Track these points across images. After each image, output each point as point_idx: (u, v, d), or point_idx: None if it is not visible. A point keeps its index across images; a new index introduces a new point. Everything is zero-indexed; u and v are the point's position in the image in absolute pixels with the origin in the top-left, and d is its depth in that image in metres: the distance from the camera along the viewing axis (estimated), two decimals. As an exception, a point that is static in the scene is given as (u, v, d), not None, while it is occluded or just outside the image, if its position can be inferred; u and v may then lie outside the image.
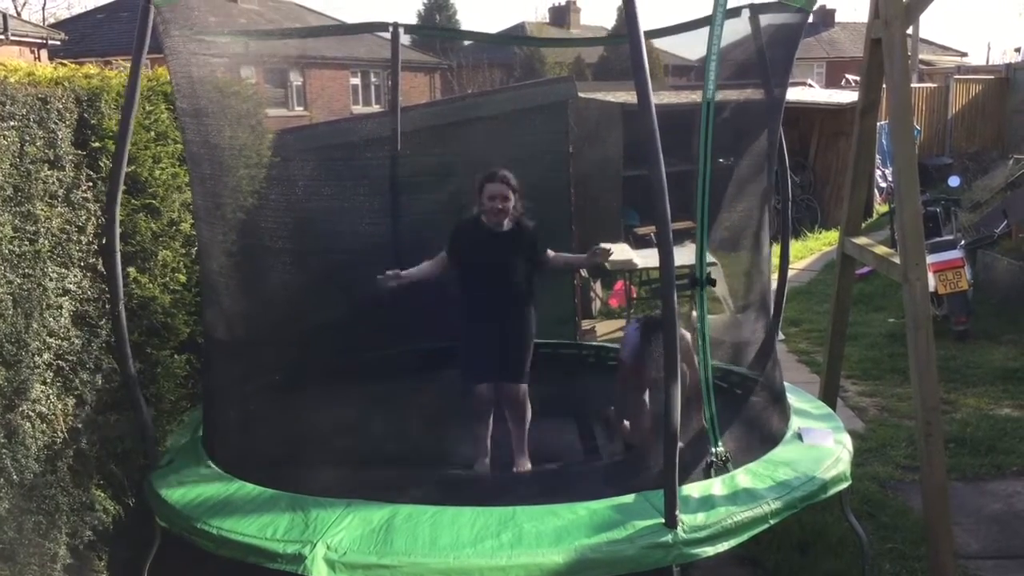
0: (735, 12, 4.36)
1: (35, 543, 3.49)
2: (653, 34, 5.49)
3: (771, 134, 4.40)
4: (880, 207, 14.80)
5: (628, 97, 11.66)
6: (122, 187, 3.93)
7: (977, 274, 9.31)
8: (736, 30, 4.33)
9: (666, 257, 3.25)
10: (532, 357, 4.78)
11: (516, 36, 26.25)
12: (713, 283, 3.66)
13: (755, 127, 4.48)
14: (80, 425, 3.77)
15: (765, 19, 4.49)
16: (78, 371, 3.79)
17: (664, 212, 3.21)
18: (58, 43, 21.51)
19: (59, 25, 28.41)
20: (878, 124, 15.92)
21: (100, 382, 3.92)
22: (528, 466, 4.61)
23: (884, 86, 4.71)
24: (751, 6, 4.50)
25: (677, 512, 3.37)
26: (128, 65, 4.50)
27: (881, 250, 4.75)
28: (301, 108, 27.29)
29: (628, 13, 3.29)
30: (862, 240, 4.85)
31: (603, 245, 4.83)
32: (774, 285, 4.85)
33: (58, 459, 3.64)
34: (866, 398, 7.31)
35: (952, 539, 4.05)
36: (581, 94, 9.19)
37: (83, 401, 3.81)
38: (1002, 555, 4.65)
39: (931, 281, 7.98)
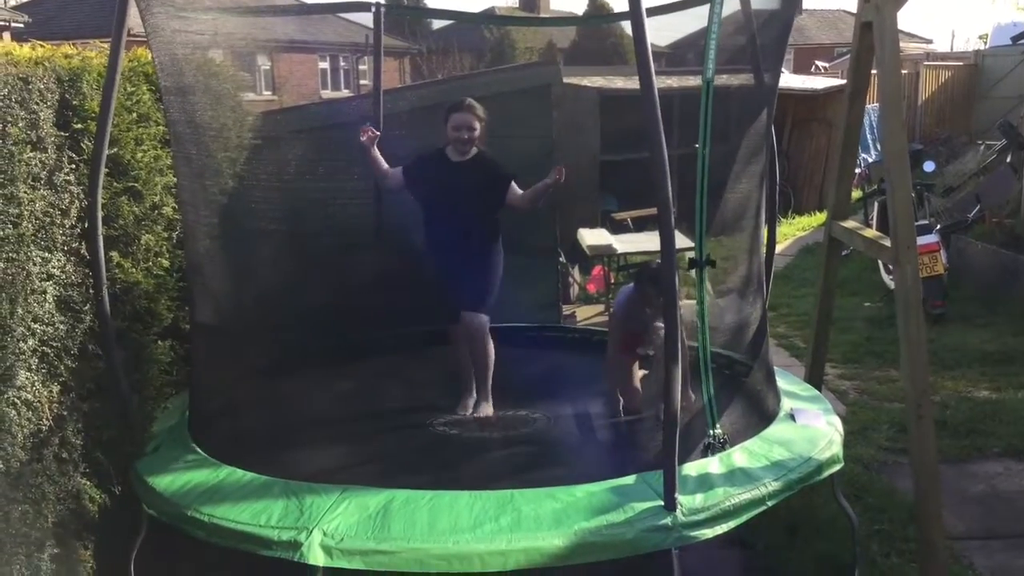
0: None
1: (22, 533, 3.41)
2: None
3: (766, 121, 4.39)
4: (853, 193, 14.91)
5: (604, 82, 11.65)
6: (104, 169, 3.85)
7: (951, 258, 9.41)
8: (728, 13, 4.29)
9: (667, 242, 3.23)
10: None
11: (503, 16, 26.02)
12: (713, 264, 3.64)
13: (746, 113, 4.46)
14: (65, 412, 3.68)
15: (757, 2, 4.47)
16: (63, 357, 3.70)
17: (666, 198, 3.18)
18: (21, 26, 21.10)
19: (22, 7, 27.83)
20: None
21: (85, 368, 3.83)
22: (489, 411, 4.59)
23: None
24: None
25: (676, 494, 3.36)
26: (104, 46, 4.42)
27: (870, 233, 4.77)
28: (269, 92, 26.97)
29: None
30: (850, 224, 4.86)
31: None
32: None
33: (44, 447, 3.55)
34: (846, 381, 7.37)
35: (943, 521, 4.08)
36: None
37: (68, 388, 3.72)
38: (988, 536, 4.71)
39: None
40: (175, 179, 4.49)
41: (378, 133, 4.75)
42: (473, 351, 4.69)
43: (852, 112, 4.72)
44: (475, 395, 4.75)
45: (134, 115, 4.37)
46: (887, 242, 4.26)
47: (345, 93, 31.22)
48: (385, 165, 4.84)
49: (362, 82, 31.59)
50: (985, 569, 4.34)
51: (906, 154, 4.05)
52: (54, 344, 3.65)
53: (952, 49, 35.37)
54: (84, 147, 3.91)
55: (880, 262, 9.78)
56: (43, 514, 3.52)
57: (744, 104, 4.59)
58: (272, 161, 5.03)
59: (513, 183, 4.79)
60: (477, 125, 4.74)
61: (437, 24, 32.19)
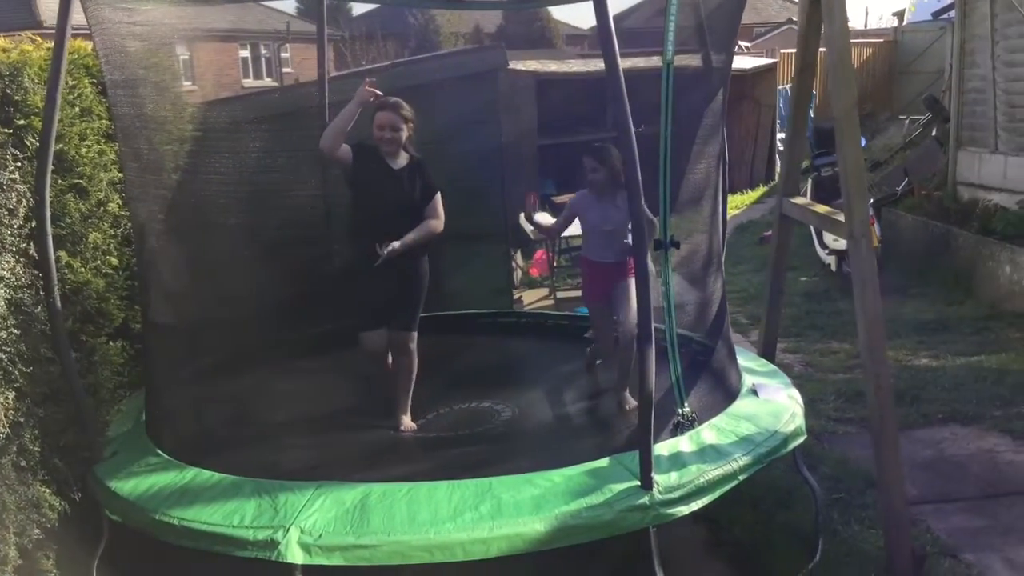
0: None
1: (-15, 546, 3.30)
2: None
3: (722, 101, 4.43)
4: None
5: (539, 66, 11.65)
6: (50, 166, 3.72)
7: (883, 231, 9.64)
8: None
9: (637, 226, 3.25)
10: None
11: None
12: (678, 245, 3.67)
13: (701, 94, 4.48)
14: (22, 419, 3.56)
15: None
16: (16, 362, 3.57)
17: (636, 181, 3.20)
18: (-75, 20, 20.23)
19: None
20: (780, 88, 16.34)
21: (38, 373, 3.71)
22: (411, 425, 4.48)
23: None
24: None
25: (652, 474, 3.38)
26: (37, 39, 4.27)
27: (823, 209, 4.85)
28: (189, 83, 26.32)
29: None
30: (801, 200, 4.94)
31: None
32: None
33: (2, 455, 3.43)
34: (789, 355, 7.50)
35: (904, 487, 4.18)
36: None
37: (23, 393, 3.60)
38: (940, 499, 4.83)
39: (843, 241, 8.24)
40: (120, 174, 4.36)
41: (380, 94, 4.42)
42: (400, 367, 4.54)
43: (800, 88, 4.79)
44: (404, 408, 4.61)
45: (77, 109, 4.25)
46: (840, 217, 4.34)
47: (268, 82, 30.68)
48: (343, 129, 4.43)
49: (285, 70, 31.11)
50: (942, 531, 4.46)
51: (857, 129, 4.12)
52: (7, 349, 3.53)
53: (866, 26, 36.16)
54: (28, 144, 3.79)
55: (815, 237, 9.99)
56: (5, 526, 3.41)
57: (694, 86, 4.61)
58: (220, 153, 4.91)
59: (437, 197, 4.54)
60: (403, 126, 4.44)
61: (357, 9, 31.80)
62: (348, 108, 4.39)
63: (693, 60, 4.46)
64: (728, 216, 13.56)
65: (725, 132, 4.69)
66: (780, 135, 15.53)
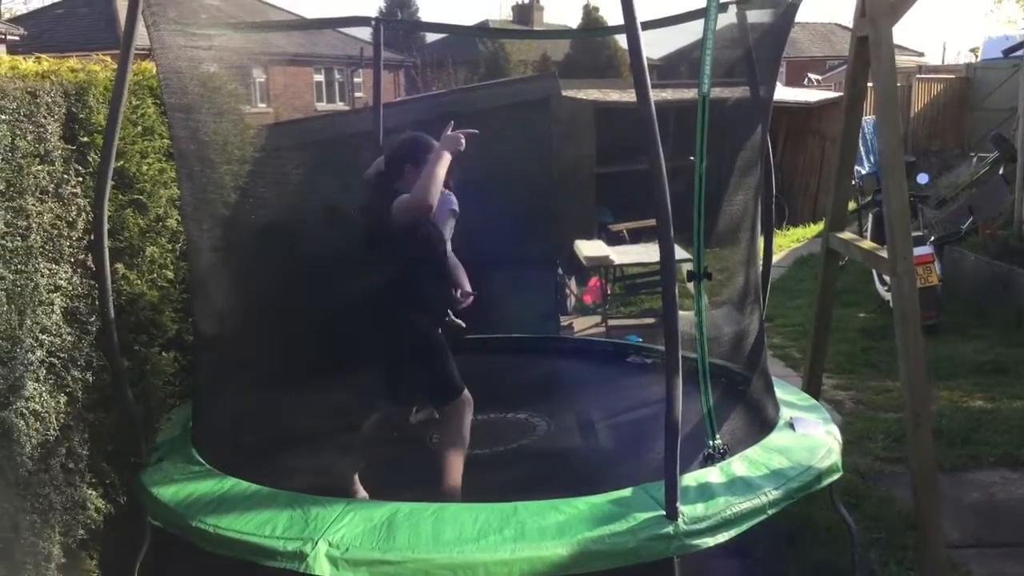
0: (722, 7, 4.37)
1: (30, 542, 3.45)
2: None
3: (762, 133, 4.44)
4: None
5: (600, 95, 11.74)
6: (110, 182, 3.89)
7: (945, 269, 9.48)
8: (723, 26, 4.35)
9: (667, 253, 3.28)
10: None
11: (500, 29, 26.22)
12: (711, 276, 3.69)
13: (741, 126, 4.51)
14: (72, 423, 3.72)
15: (752, 16, 4.53)
16: (69, 368, 3.74)
17: (665, 207, 3.23)
18: (16, 39, 21.08)
19: (17, 20, 27.82)
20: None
21: (90, 379, 3.87)
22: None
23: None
24: (738, 1, 4.53)
25: (678, 504, 3.39)
26: (106, 60, 4.47)
27: (868, 244, 4.84)
28: (264, 105, 27.00)
29: (625, 10, 3.31)
30: (847, 235, 4.92)
31: None
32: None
33: (51, 457, 3.59)
34: (841, 391, 7.40)
35: (942, 530, 4.12)
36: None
37: (74, 398, 3.76)
38: (983, 544, 4.73)
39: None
40: (179, 192, 4.53)
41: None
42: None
43: (848, 125, 4.78)
44: None
45: (139, 128, 4.43)
46: (884, 253, 4.31)
47: (340, 106, 31.31)
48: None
49: (357, 95, 31.74)
50: (982, 577, 4.38)
51: (903, 167, 4.11)
52: (61, 355, 3.69)
53: (944, 62, 35.57)
54: (91, 160, 3.96)
55: (875, 273, 9.85)
56: (50, 524, 3.56)
57: (739, 117, 4.64)
58: (274, 176, 5.06)
59: None
60: None
61: (431, 37, 32.31)
62: (447, 160, 3.86)
63: (732, 92, 4.49)
64: (789, 249, 13.44)
65: (772, 165, 4.70)
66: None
